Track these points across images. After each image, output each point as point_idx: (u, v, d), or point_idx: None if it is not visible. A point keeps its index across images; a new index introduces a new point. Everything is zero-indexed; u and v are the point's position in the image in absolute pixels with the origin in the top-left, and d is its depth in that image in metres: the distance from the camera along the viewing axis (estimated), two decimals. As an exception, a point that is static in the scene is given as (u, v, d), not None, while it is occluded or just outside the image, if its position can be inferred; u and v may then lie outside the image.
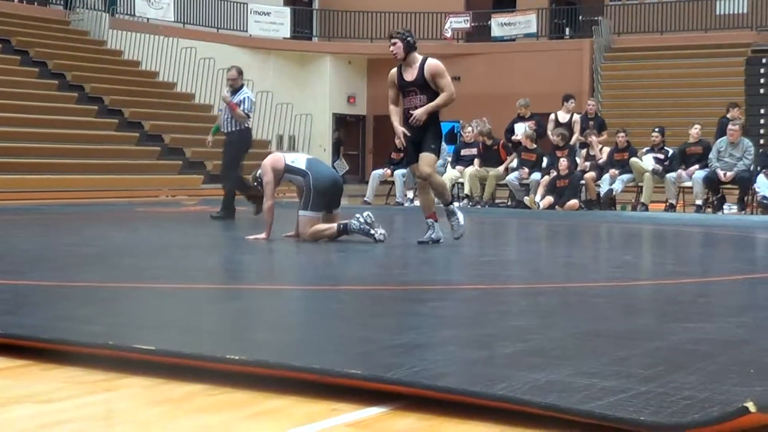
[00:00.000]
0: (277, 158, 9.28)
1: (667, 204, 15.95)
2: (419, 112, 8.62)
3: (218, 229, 11.46)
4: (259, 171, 9.36)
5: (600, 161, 16.55)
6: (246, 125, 12.68)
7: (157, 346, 3.75)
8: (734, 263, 8.78)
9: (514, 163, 17.29)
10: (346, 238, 9.04)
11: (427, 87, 8.68)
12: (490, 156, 17.39)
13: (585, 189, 16.46)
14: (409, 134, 8.72)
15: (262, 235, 9.13)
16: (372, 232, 8.96)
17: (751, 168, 15.63)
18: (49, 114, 20.10)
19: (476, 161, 17.41)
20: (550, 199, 16.05)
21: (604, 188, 16.19)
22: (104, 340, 3.88)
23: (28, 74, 21.60)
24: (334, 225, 9.07)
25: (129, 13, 26.46)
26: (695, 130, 16.15)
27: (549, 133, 17.10)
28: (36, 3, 26.04)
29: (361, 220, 9.06)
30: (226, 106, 12.59)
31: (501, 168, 17.12)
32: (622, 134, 16.47)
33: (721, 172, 15.43)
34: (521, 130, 17.44)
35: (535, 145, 17.07)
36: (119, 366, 3.62)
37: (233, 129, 12.61)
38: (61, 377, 3.57)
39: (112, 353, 3.74)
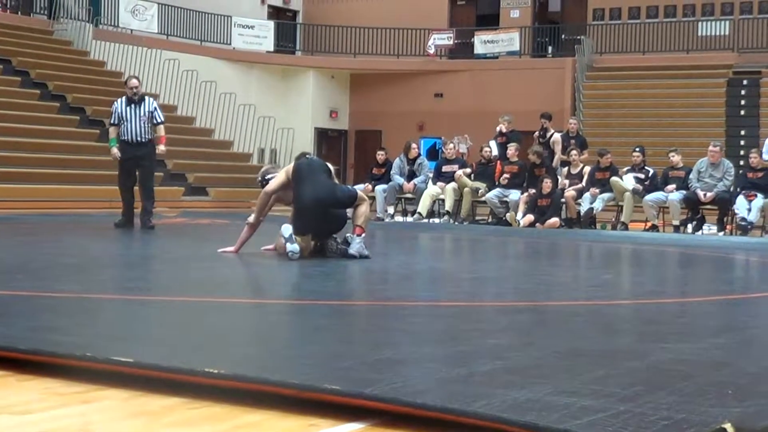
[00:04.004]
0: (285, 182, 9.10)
1: (650, 225, 15.96)
2: None
3: (198, 242, 11.42)
4: (270, 176, 9.28)
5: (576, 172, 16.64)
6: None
7: (135, 359, 3.73)
8: (713, 284, 8.82)
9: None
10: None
11: None
12: (486, 171, 17.41)
13: (565, 207, 16.50)
14: None
15: (231, 249, 9.08)
16: (350, 252, 8.89)
17: (731, 189, 15.70)
18: (30, 123, 20.02)
19: (459, 173, 17.34)
20: (530, 217, 16.07)
21: (584, 207, 16.23)
22: (82, 352, 3.86)
23: (9, 83, 21.52)
24: (311, 243, 9.01)
25: (113, 24, 26.43)
26: (676, 158, 16.20)
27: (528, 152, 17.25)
28: (19, 12, 26.00)
29: (339, 240, 9.03)
30: (134, 115, 12.61)
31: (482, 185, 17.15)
32: (608, 156, 16.50)
33: (701, 193, 15.49)
34: (495, 148, 17.71)
35: (517, 158, 17.14)
36: (97, 378, 3.60)
37: (147, 139, 12.82)
38: (38, 388, 3.55)
39: (89, 365, 3.72)
